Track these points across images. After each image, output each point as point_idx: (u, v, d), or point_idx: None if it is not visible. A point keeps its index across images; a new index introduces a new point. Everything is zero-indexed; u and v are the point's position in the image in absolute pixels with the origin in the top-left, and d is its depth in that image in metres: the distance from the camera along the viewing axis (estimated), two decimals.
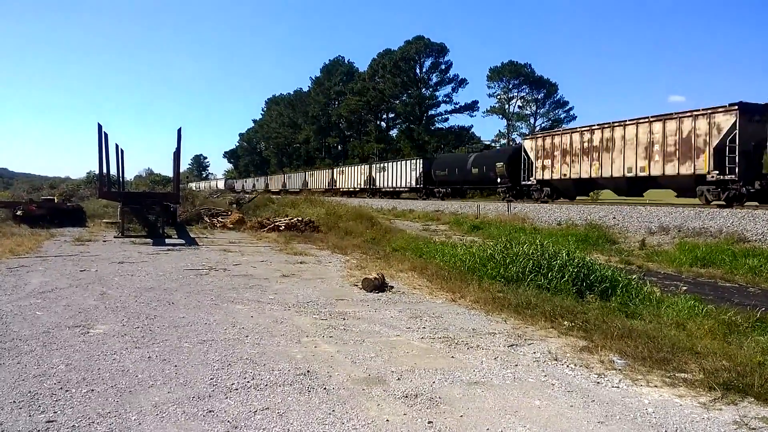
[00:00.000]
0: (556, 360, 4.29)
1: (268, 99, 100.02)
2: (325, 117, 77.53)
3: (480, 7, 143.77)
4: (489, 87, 69.68)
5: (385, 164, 40.53)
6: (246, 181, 74.09)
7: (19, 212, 15.53)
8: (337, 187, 46.34)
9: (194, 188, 65.63)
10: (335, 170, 49.94)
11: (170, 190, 19.31)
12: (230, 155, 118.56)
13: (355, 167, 46.06)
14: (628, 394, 3.59)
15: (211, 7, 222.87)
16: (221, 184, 78.95)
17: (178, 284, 7.30)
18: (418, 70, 67.23)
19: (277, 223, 16.00)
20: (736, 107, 15.30)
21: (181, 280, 7.60)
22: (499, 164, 26.96)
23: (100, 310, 5.67)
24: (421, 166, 34.51)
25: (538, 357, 4.37)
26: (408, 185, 36.22)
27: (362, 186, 42.61)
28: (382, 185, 39.55)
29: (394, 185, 38.00)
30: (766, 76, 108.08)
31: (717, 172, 15.83)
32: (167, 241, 13.12)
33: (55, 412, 3.10)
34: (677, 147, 17.06)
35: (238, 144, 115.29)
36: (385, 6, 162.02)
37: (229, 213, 19.09)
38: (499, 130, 71.16)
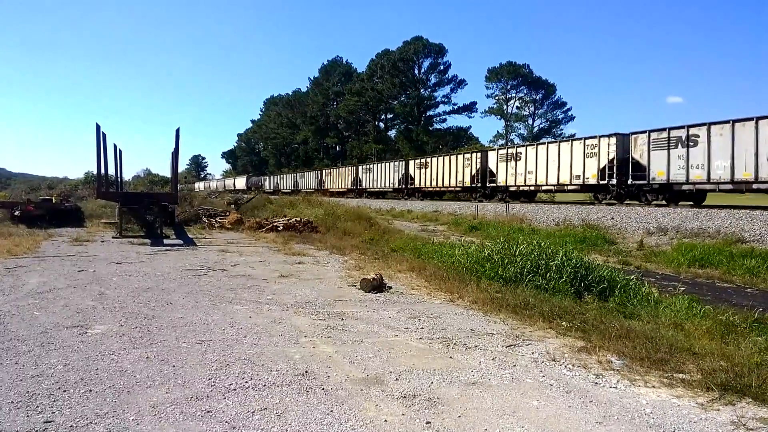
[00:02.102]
0: (554, 360, 4.29)
1: (266, 99, 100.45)
2: (324, 117, 77.61)
3: (478, 7, 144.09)
4: (487, 88, 70.05)
5: (552, 144, 23.06)
6: (282, 178, 63.88)
7: (17, 212, 15.54)
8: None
9: (202, 188, 64.04)
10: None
11: (168, 190, 19.29)
12: (228, 155, 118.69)
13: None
14: (626, 395, 3.59)
15: (209, 8, 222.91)
16: (240, 183, 70.23)
17: (177, 284, 7.29)
18: (416, 71, 67.39)
19: (275, 224, 15.99)
20: None
21: (180, 281, 7.59)
22: None
23: (98, 311, 5.66)
24: None
25: (536, 357, 4.37)
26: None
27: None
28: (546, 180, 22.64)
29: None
30: (764, 77, 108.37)
31: None
32: (165, 241, 13.11)
33: (53, 413, 3.09)
34: None
35: (236, 144, 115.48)
36: (383, 6, 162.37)
37: (227, 213, 19.09)
38: (498, 131, 71.41)
